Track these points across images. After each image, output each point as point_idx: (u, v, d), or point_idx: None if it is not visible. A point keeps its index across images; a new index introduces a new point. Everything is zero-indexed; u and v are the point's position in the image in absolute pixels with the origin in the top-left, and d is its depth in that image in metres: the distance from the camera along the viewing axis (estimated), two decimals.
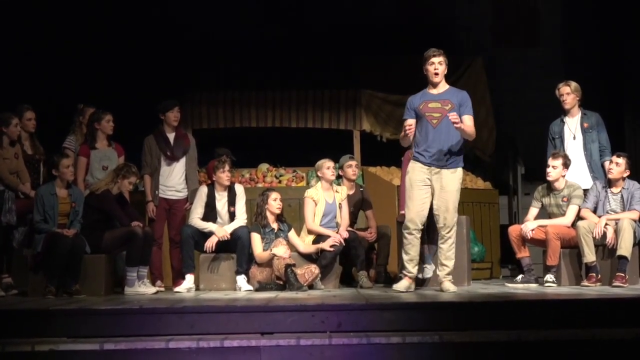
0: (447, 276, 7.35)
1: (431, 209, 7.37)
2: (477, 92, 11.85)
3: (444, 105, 7.28)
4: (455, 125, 7.08)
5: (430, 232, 8.20)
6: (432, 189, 7.28)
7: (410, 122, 7.22)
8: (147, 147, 8.60)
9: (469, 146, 11.65)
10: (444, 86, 7.38)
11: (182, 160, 8.62)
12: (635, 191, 7.99)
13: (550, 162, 8.12)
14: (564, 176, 8.12)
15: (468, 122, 7.28)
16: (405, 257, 7.31)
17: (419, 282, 8.13)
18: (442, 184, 7.26)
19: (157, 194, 8.52)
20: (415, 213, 7.27)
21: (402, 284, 7.28)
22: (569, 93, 8.43)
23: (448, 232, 7.32)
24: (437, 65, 7.29)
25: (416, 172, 7.27)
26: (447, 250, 7.34)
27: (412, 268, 7.32)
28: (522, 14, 12.93)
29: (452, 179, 7.29)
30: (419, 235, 7.35)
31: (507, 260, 10.58)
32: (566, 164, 8.08)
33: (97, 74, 11.34)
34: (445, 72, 7.36)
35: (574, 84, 8.45)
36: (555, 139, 8.48)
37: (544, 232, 7.99)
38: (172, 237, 8.60)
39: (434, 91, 7.35)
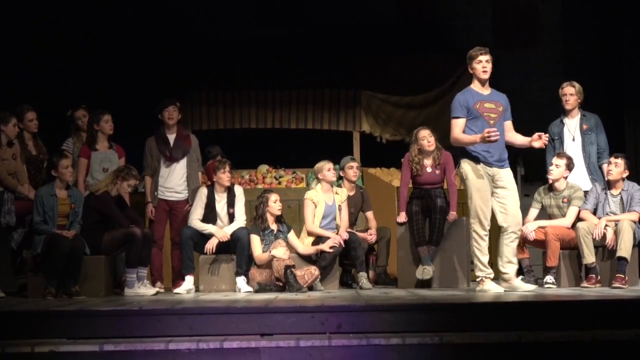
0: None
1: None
2: None
3: (498, 106, 7.22)
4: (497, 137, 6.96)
5: (430, 233, 8.22)
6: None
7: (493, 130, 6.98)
8: (147, 148, 8.57)
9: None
10: (488, 87, 7.31)
11: (183, 162, 8.55)
12: (634, 192, 7.98)
13: (554, 160, 8.10)
14: (565, 177, 8.10)
15: (511, 127, 7.33)
16: (484, 259, 7.23)
17: (419, 283, 8.14)
18: (505, 184, 7.20)
19: (156, 195, 8.50)
20: (489, 215, 7.19)
21: (493, 284, 7.24)
22: (572, 94, 8.39)
23: (518, 230, 7.35)
24: (484, 63, 7.20)
25: (482, 174, 7.14)
26: (514, 248, 7.34)
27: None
28: (522, 14, 12.92)
29: (512, 178, 7.28)
30: None
31: None
32: (569, 166, 8.06)
33: (96, 74, 11.34)
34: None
35: (578, 86, 8.41)
36: (554, 140, 8.45)
37: (543, 233, 7.99)
38: (172, 238, 8.58)
39: (483, 91, 7.24)
